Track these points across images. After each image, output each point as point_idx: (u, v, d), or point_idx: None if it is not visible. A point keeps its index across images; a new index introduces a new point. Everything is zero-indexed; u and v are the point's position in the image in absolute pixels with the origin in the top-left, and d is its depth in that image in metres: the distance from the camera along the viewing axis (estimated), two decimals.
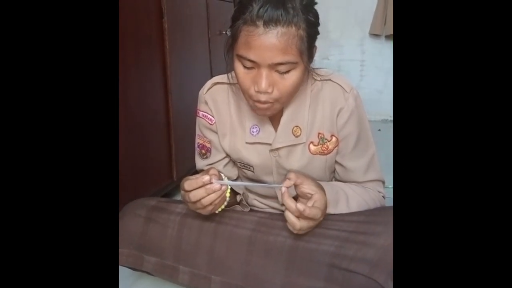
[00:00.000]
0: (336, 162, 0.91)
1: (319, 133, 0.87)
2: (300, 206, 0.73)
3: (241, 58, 0.74)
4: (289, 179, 0.77)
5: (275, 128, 0.87)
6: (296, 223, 0.74)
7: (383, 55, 3.00)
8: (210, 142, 0.94)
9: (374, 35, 2.99)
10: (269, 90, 0.74)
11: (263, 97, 0.75)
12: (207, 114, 0.92)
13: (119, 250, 0.92)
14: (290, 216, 0.75)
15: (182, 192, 0.79)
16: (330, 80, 0.86)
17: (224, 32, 1.90)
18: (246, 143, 0.89)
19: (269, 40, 0.70)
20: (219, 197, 0.77)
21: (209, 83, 0.92)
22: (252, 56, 0.72)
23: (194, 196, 0.76)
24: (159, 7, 1.46)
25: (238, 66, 0.76)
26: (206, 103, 0.92)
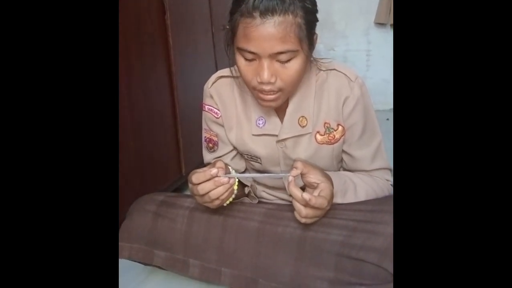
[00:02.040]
0: (343, 151, 0.90)
1: (325, 123, 0.86)
2: (306, 195, 0.73)
3: (241, 50, 0.74)
4: (295, 168, 0.77)
5: (281, 119, 0.87)
6: (302, 210, 0.75)
7: (388, 44, 2.97)
8: (217, 135, 0.94)
9: (379, 24, 2.96)
10: (272, 80, 0.74)
11: (266, 87, 0.75)
12: (212, 108, 0.92)
13: (130, 245, 0.93)
14: (296, 204, 0.75)
15: (190, 185, 0.80)
16: (334, 69, 0.86)
17: (227, 27, 1.90)
18: (253, 135, 0.90)
19: (266, 30, 0.70)
20: (227, 190, 0.77)
21: (213, 77, 0.93)
22: (252, 48, 0.72)
23: (202, 189, 0.76)
24: (161, 4, 1.46)
25: (239, 59, 0.76)
26: (212, 97, 0.92)
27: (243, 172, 0.98)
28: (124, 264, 0.98)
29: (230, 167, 0.82)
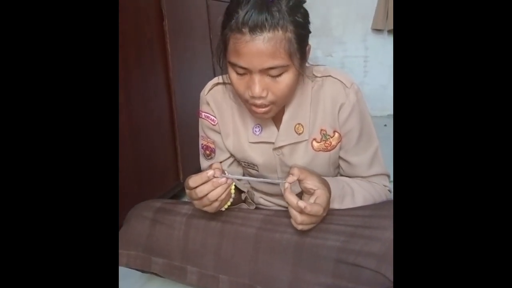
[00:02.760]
0: (340, 157, 0.90)
1: (321, 130, 0.87)
2: (301, 203, 0.73)
3: (232, 65, 0.75)
4: (292, 174, 0.77)
5: (277, 127, 0.88)
6: (297, 217, 0.75)
7: (386, 50, 2.99)
8: (213, 142, 0.94)
9: (377, 30, 2.97)
10: (263, 95, 0.74)
11: (258, 101, 0.75)
12: (209, 115, 0.92)
13: (127, 252, 0.93)
14: (292, 210, 0.75)
15: (187, 190, 0.79)
16: (330, 76, 0.86)
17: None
18: (250, 142, 0.90)
19: (256, 47, 0.70)
20: (225, 191, 0.77)
21: (210, 84, 0.93)
22: (242, 63, 0.72)
23: (200, 191, 0.76)
24: (159, 10, 1.47)
25: (231, 73, 0.76)
26: (208, 104, 0.92)
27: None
28: (120, 272, 0.98)
29: (226, 172, 0.82)
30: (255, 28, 0.69)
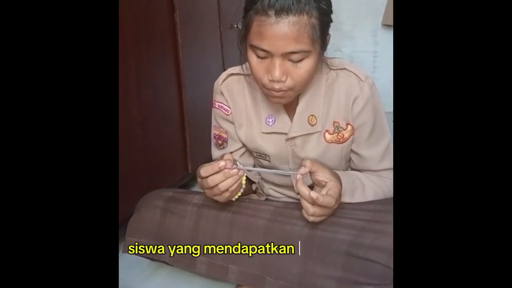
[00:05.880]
0: (351, 150, 0.90)
1: (334, 122, 0.87)
2: (313, 194, 0.73)
3: (254, 48, 0.75)
4: (304, 166, 0.77)
5: (291, 118, 0.88)
6: (309, 208, 0.75)
7: None
8: (226, 132, 0.95)
9: (387, 25, 2.95)
10: (283, 79, 0.74)
11: (277, 86, 0.75)
12: (223, 105, 0.93)
13: (138, 240, 0.93)
14: (304, 202, 0.75)
15: (199, 179, 0.80)
16: (345, 69, 0.86)
17: (235, 26, 1.90)
18: (262, 133, 0.90)
19: (281, 30, 0.70)
20: (236, 181, 0.77)
21: (224, 74, 0.93)
22: (264, 46, 0.72)
23: (212, 181, 0.76)
24: (171, 2, 1.46)
25: (252, 56, 0.76)
26: (222, 93, 0.92)
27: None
28: (129, 260, 0.98)
29: (238, 162, 0.83)
30: (281, 11, 0.69)
